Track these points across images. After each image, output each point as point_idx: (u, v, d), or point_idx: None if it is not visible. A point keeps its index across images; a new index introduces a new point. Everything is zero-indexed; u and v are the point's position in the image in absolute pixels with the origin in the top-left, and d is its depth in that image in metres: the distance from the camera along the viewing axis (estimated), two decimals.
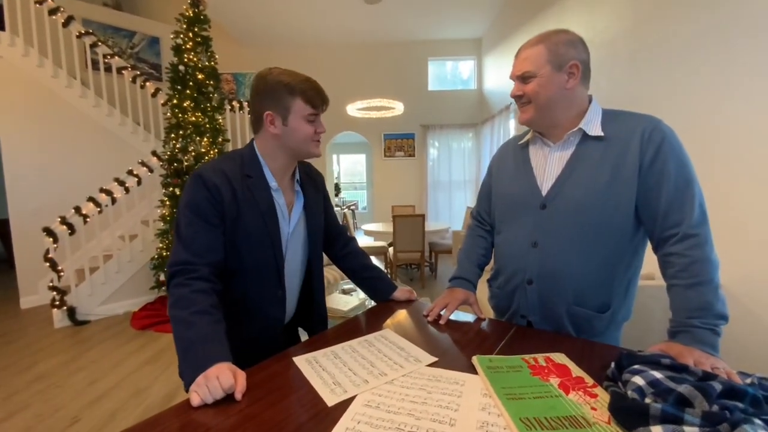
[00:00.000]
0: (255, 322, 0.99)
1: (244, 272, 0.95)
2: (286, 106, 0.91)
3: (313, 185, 1.12)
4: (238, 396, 0.66)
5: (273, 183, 0.97)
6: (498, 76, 5.21)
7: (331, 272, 3.29)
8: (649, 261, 0.93)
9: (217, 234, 0.89)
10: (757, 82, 1.57)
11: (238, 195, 0.91)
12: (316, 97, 0.93)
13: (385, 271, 4.57)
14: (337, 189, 9.84)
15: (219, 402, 0.65)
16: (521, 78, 0.93)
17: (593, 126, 0.90)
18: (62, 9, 3.80)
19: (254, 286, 0.96)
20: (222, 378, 0.66)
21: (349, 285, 2.94)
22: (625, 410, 0.54)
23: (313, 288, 1.12)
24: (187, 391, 0.68)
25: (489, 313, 1.18)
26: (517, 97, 0.95)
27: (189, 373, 0.69)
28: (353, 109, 5.05)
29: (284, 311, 1.03)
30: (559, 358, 0.77)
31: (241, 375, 0.70)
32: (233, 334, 0.93)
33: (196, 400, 0.64)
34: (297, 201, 1.04)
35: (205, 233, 0.87)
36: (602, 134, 0.89)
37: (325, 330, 1.13)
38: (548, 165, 0.96)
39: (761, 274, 1.57)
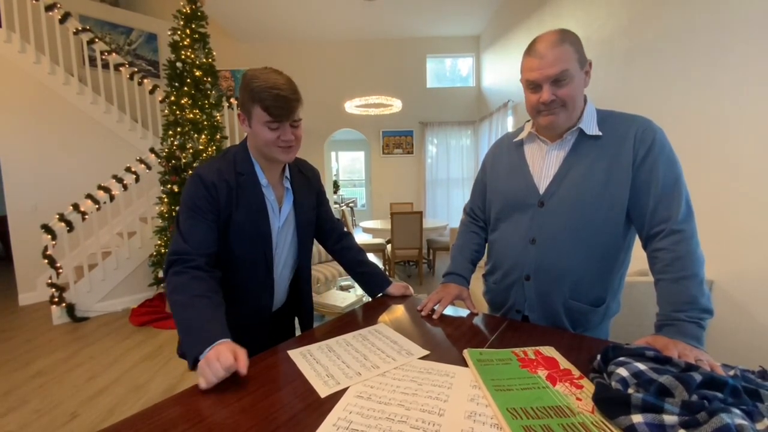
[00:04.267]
0: (244, 309, 1.04)
1: (236, 263, 1.00)
2: (249, 109, 0.92)
3: (305, 182, 1.14)
4: (243, 371, 0.70)
5: (263, 180, 1.01)
6: (496, 73, 5.21)
7: (329, 269, 3.30)
8: (643, 257, 0.95)
9: (213, 228, 0.94)
10: (750, 80, 1.58)
11: (232, 192, 0.96)
12: (274, 108, 0.89)
13: (384, 268, 4.61)
14: (336, 186, 9.84)
15: (214, 393, 0.67)
16: (555, 80, 0.85)
17: (591, 125, 0.92)
18: (59, 5, 3.79)
19: (245, 276, 1.02)
20: (222, 359, 0.69)
21: (347, 282, 2.95)
22: (607, 400, 0.56)
23: (301, 279, 1.17)
24: (191, 368, 0.73)
25: (483, 307, 1.20)
26: (549, 103, 0.87)
27: (190, 353, 0.73)
28: (351, 107, 5.05)
29: (272, 299, 1.09)
30: (548, 351, 0.78)
31: (242, 351, 0.73)
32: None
33: (203, 384, 0.68)
34: (287, 197, 1.07)
35: (201, 227, 0.92)
36: (600, 133, 0.91)
37: (311, 318, 1.22)
38: (545, 163, 0.97)
39: (752, 270, 1.59)
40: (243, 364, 0.70)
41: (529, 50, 0.90)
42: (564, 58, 0.84)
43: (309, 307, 1.22)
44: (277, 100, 0.88)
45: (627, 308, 1.04)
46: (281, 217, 1.05)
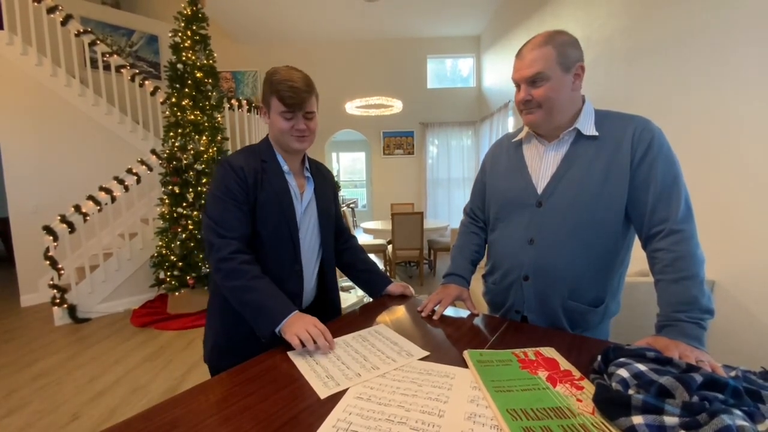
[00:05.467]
0: None
1: (264, 249, 1.03)
2: (268, 101, 1.02)
3: (322, 178, 1.20)
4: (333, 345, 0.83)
5: (285, 167, 1.08)
6: (497, 73, 5.21)
7: None
8: (643, 257, 0.94)
9: (245, 211, 1.00)
10: (750, 80, 1.57)
11: (258, 175, 1.03)
12: (288, 98, 0.98)
13: (384, 268, 4.61)
14: (337, 187, 9.85)
15: (214, 394, 0.67)
16: (531, 81, 0.89)
17: (588, 126, 0.92)
18: (60, 7, 3.80)
19: (273, 260, 1.04)
20: (318, 325, 0.83)
21: (348, 282, 2.95)
22: (608, 401, 0.56)
23: (326, 273, 1.19)
24: (264, 339, 0.87)
25: (483, 307, 1.20)
26: (525, 102, 0.92)
27: (267, 326, 0.86)
28: (352, 107, 5.05)
29: (302, 288, 1.09)
30: (549, 352, 0.78)
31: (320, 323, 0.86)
32: None
33: (296, 342, 0.80)
34: (308, 185, 1.13)
35: (232, 210, 0.98)
36: (597, 134, 0.90)
37: (339, 312, 1.25)
38: (543, 163, 0.97)
39: (754, 270, 1.58)
40: (331, 339, 0.83)
41: (518, 51, 0.93)
42: (541, 60, 0.87)
43: (336, 304, 1.24)
44: (291, 91, 0.97)
45: (627, 309, 1.03)
46: (303, 202, 1.10)
